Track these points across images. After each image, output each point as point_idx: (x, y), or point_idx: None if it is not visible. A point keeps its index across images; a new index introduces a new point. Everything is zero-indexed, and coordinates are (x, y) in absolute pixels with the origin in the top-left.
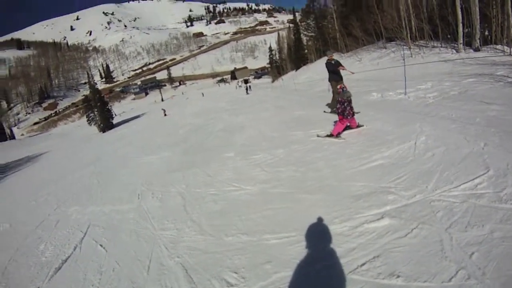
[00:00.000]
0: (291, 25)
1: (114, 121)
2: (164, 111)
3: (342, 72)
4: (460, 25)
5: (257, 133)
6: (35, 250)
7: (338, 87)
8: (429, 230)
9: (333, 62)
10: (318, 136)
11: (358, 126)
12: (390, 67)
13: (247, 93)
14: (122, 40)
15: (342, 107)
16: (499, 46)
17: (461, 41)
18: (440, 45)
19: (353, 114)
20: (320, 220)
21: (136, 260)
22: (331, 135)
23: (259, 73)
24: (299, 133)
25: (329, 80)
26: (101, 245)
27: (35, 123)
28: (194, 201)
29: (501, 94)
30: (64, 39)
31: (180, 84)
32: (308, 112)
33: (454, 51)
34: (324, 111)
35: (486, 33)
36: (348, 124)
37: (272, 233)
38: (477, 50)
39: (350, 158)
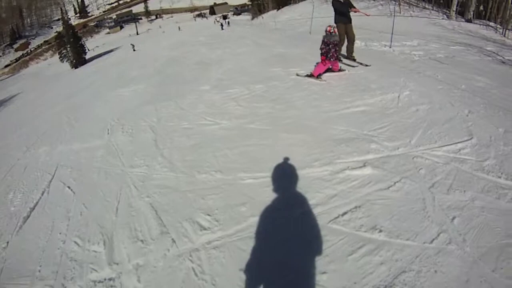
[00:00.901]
0: None
1: (87, 56)
2: (133, 46)
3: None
4: None
5: (235, 67)
6: (4, 199)
7: (328, 29)
8: (411, 186)
9: (342, 1)
10: (297, 75)
11: (340, 70)
12: (378, 15)
13: (222, 29)
14: None
15: (326, 48)
16: (491, 23)
17: (454, 9)
18: (432, 8)
19: (336, 57)
20: (299, 161)
21: (104, 201)
22: (311, 75)
23: (239, 10)
24: (279, 70)
25: (336, 22)
26: (68, 187)
27: (6, 66)
28: (166, 136)
29: (489, 68)
30: None
31: (156, 18)
32: (289, 51)
33: (445, 17)
34: None
35: (481, 8)
36: (330, 66)
37: (248, 171)
38: (469, 21)
39: (331, 101)
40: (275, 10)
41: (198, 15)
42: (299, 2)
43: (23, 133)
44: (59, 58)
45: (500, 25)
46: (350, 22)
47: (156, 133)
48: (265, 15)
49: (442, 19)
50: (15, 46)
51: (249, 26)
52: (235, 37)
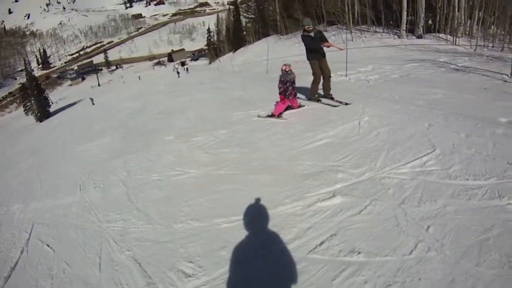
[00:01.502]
0: (231, 7)
1: (51, 109)
2: (92, 100)
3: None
4: (404, 13)
5: (197, 114)
6: None
7: (283, 68)
8: (382, 207)
9: (312, 35)
10: (259, 116)
11: (300, 106)
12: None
13: (179, 76)
14: (60, 23)
15: (284, 86)
16: (442, 35)
17: (404, 28)
18: (382, 31)
19: (295, 94)
20: (271, 200)
21: (85, 258)
22: (272, 115)
23: (196, 55)
24: (240, 113)
25: (308, 59)
26: (47, 245)
27: None
28: (138, 189)
29: (444, 78)
30: (2, 24)
31: (117, 68)
32: (248, 93)
33: (396, 37)
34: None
35: (430, 22)
36: (290, 104)
37: (222, 217)
38: (419, 37)
39: (294, 138)
40: (231, 53)
41: (157, 63)
42: (254, 42)
43: None
44: (24, 111)
45: (450, 35)
46: (324, 57)
47: (127, 186)
48: (221, 58)
49: (394, 39)
50: None
51: (207, 71)
52: (194, 83)
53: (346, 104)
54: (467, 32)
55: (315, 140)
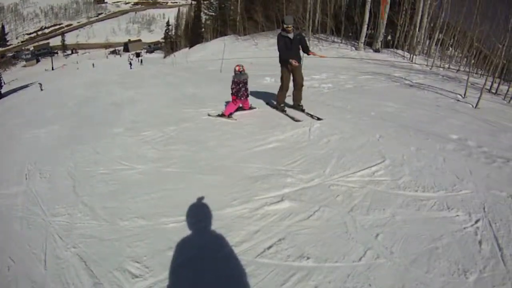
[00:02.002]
0: (193, 2)
1: (3, 90)
2: (41, 85)
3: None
4: (365, 26)
5: (148, 108)
6: None
7: (237, 68)
8: (331, 213)
9: (290, 36)
10: (209, 115)
11: (251, 108)
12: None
13: (131, 68)
14: None
15: (237, 87)
16: (399, 51)
17: (363, 41)
18: (341, 41)
19: (247, 95)
20: (218, 201)
21: (31, 254)
22: (222, 115)
23: (152, 47)
24: (191, 111)
25: (281, 62)
26: None
27: None
28: (84, 182)
29: (397, 93)
30: None
31: (72, 53)
32: (200, 90)
33: (354, 48)
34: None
35: (389, 37)
36: (241, 105)
37: (169, 216)
38: (377, 51)
39: (244, 139)
40: (187, 48)
41: (112, 52)
42: (211, 40)
43: None
44: None
45: (408, 52)
46: (299, 61)
47: (74, 179)
48: (177, 53)
49: (351, 51)
50: None
51: (162, 65)
52: (148, 76)
53: (318, 119)
54: (425, 51)
55: (265, 143)
